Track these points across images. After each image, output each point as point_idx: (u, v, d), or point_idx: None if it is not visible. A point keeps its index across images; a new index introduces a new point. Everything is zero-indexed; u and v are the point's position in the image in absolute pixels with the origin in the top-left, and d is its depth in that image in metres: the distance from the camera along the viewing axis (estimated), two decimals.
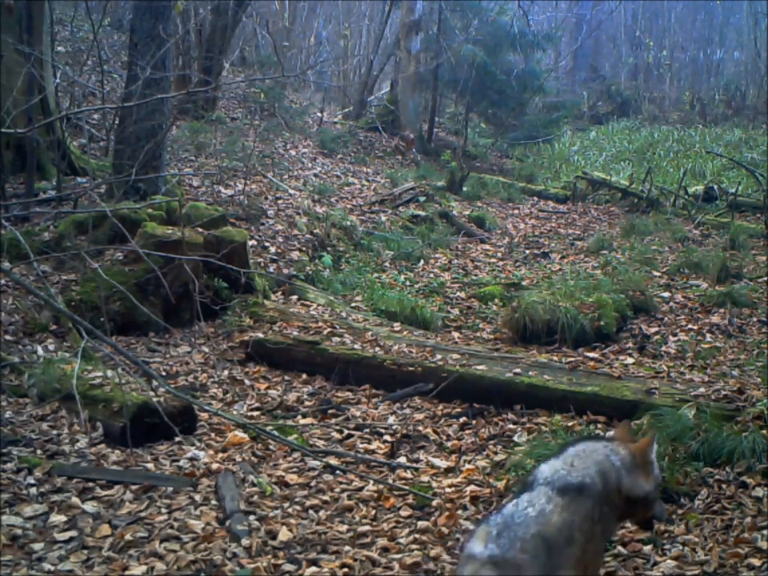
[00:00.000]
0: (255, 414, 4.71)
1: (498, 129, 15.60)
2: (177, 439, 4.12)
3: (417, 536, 3.35)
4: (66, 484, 3.64)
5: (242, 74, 14.77)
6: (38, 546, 3.15)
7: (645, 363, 5.43)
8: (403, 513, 3.57)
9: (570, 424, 4.40)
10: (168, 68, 7.30)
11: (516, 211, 12.04)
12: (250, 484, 3.75)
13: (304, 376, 5.35)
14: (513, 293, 7.10)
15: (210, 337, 5.74)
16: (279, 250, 7.56)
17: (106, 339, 4.35)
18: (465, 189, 12.30)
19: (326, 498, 3.70)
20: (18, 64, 6.63)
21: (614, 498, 2.43)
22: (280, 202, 8.84)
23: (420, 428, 4.55)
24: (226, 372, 5.30)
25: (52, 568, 3.02)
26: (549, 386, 4.72)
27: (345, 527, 3.43)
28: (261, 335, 5.58)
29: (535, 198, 12.99)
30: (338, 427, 4.55)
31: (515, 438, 4.36)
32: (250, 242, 7.04)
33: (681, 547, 3.17)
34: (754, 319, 6.37)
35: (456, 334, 6.19)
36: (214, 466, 3.92)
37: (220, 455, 4.08)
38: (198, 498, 3.60)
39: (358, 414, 4.75)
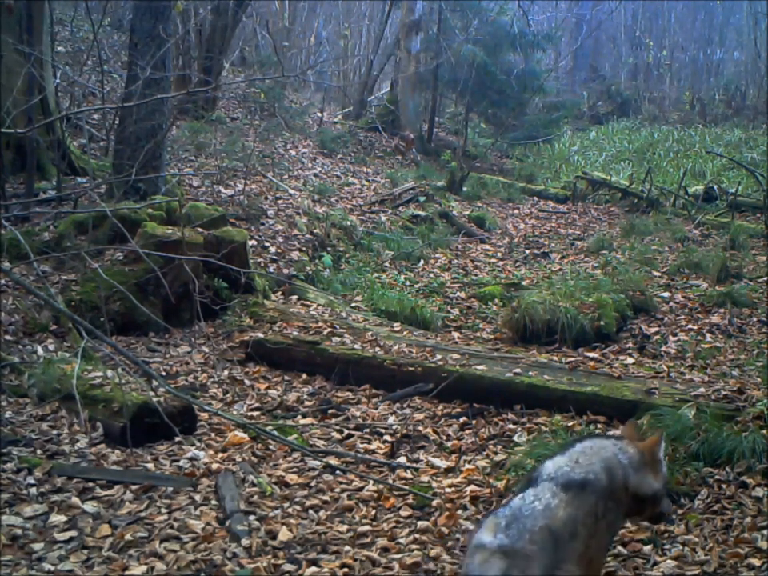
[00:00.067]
0: (255, 413, 4.71)
1: (498, 129, 15.60)
2: (177, 439, 4.12)
3: (417, 536, 3.35)
4: (66, 484, 3.64)
5: (242, 74, 14.77)
6: (38, 546, 3.15)
7: (645, 363, 5.43)
8: (403, 513, 3.57)
9: (570, 424, 4.40)
10: (168, 68, 7.30)
11: (516, 211, 12.04)
12: (250, 484, 3.75)
13: (304, 376, 5.35)
14: (513, 293, 7.10)
15: (210, 337, 5.74)
16: (279, 250, 7.56)
17: (106, 339, 4.35)
18: (465, 189, 12.30)
19: (326, 497, 3.70)
20: (18, 64, 6.63)
21: (620, 495, 2.46)
22: (280, 202, 8.84)
23: (420, 428, 4.55)
24: (226, 372, 5.30)
25: (52, 568, 3.02)
26: (549, 386, 4.71)
27: (345, 527, 3.43)
28: (261, 335, 5.58)
29: (535, 198, 12.99)
30: (338, 427, 4.55)
31: (515, 438, 4.36)
32: (250, 242, 7.04)
33: (681, 547, 3.17)
34: (754, 319, 6.37)
35: (456, 334, 6.19)
36: (214, 465, 3.92)
37: (220, 455, 4.08)
38: (198, 497, 3.60)
39: (358, 414, 4.75)
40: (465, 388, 4.86)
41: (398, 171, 12.72)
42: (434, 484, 3.84)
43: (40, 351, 5.01)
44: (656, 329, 6.22)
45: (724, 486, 3.58)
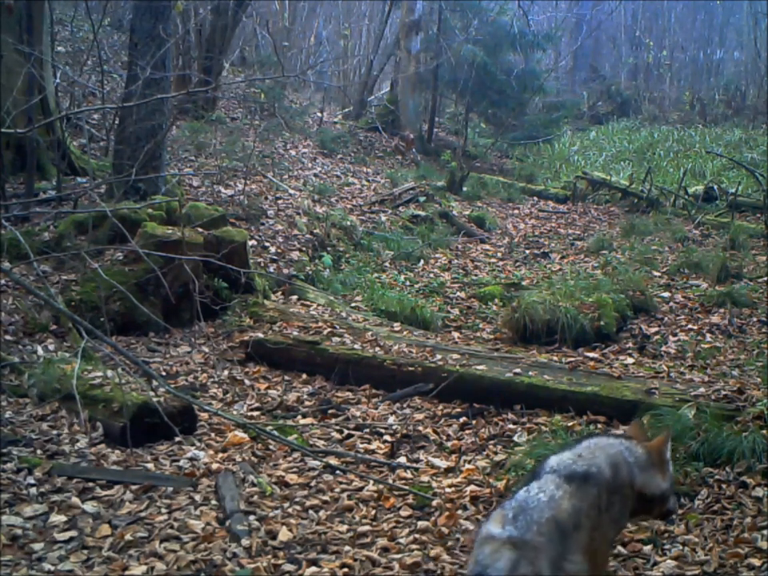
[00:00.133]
0: (255, 413, 4.71)
1: (498, 129, 15.60)
2: (177, 439, 4.12)
3: (417, 536, 3.35)
4: (66, 484, 3.64)
5: (242, 74, 14.77)
6: (38, 546, 3.15)
7: (645, 363, 5.43)
8: (403, 513, 3.57)
9: (569, 424, 4.40)
10: (168, 68, 7.30)
11: (516, 211, 12.04)
12: (250, 484, 3.75)
13: (304, 376, 5.35)
14: (513, 293, 7.10)
15: (210, 337, 5.74)
16: (279, 250, 7.56)
17: (106, 339, 4.35)
18: (465, 189, 12.30)
19: (326, 498, 3.70)
20: (18, 64, 6.64)
21: (626, 492, 2.49)
22: (280, 202, 8.84)
23: (420, 428, 4.55)
24: (226, 372, 5.30)
25: (52, 568, 3.02)
26: (549, 386, 4.71)
27: (345, 527, 3.43)
28: (261, 335, 5.58)
29: (535, 198, 12.99)
30: (338, 427, 4.55)
31: (515, 438, 4.36)
32: (250, 242, 7.04)
33: (681, 547, 3.17)
34: (754, 319, 6.37)
35: (456, 334, 6.19)
36: (214, 465, 3.92)
37: (220, 455, 4.08)
38: (198, 497, 3.60)
39: (358, 413, 4.75)
40: (465, 388, 4.86)
41: (398, 171, 12.72)
42: (434, 484, 3.84)
43: (40, 351, 5.01)
44: (656, 329, 6.22)
45: (724, 485, 3.58)
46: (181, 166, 9.32)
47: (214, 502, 3.58)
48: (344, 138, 13.53)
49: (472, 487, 3.77)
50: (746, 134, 16.69)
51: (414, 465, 4.09)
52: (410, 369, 5.07)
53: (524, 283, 7.70)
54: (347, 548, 3.24)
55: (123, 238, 5.14)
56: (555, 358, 5.34)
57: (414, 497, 3.67)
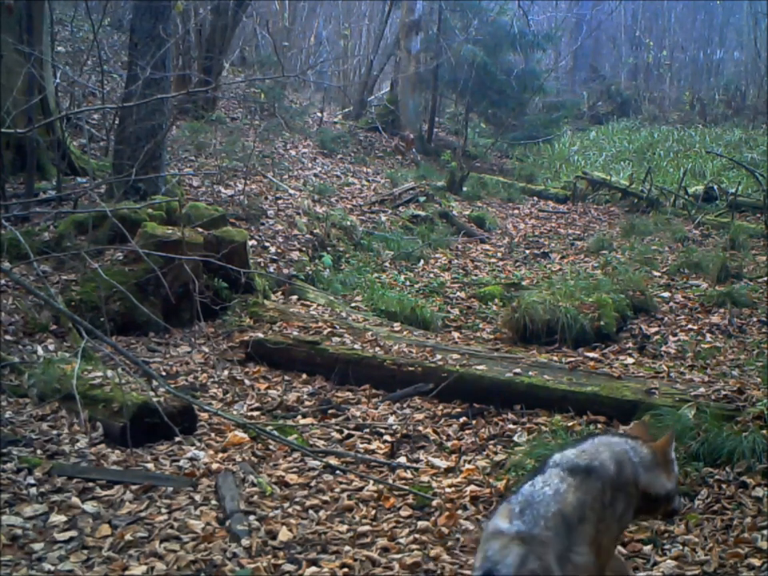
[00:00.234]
0: (255, 413, 4.71)
1: (498, 129, 15.60)
2: (177, 439, 4.12)
3: (417, 536, 3.35)
4: (66, 484, 3.64)
5: (242, 74, 14.77)
6: (38, 546, 3.15)
7: (645, 363, 5.43)
8: (403, 513, 3.57)
9: (569, 424, 4.39)
10: (168, 68, 7.30)
11: (516, 211, 12.04)
12: (250, 484, 3.75)
13: (304, 376, 5.35)
14: (513, 293, 7.10)
15: (210, 337, 5.74)
16: (279, 250, 7.56)
17: (106, 339, 4.35)
18: (465, 189, 12.30)
19: (326, 498, 3.70)
20: (18, 64, 6.64)
21: (630, 490, 2.51)
22: (280, 202, 8.84)
23: (420, 428, 4.55)
24: (225, 372, 5.30)
25: (52, 568, 3.02)
26: (549, 386, 4.71)
27: (345, 527, 3.43)
28: (261, 335, 5.58)
29: (535, 198, 12.99)
30: (338, 427, 4.55)
31: (515, 438, 4.36)
32: (250, 242, 7.04)
33: (681, 547, 3.17)
34: (754, 319, 6.37)
35: (456, 334, 6.19)
36: (214, 465, 3.92)
37: (220, 455, 4.08)
38: (198, 497, 3.60)
39: (358, 413, 4.75)
40: (465, 388, 4.86)
41: (398, 171, 12.72)
42: (434, 484, 3.84)
43: (40, 351, 5.01)
44: (656, 329, 6.22)
45: (724, 485, 3.58)
46: (181, 165, 9.32)
47: (213, 501, 3.58)
48: (344, 138, 13.53)
49: (472, 487, 3.76)
50: (746, 134, 16.69)
51: (414, 465, 4.09)
52: (410, 369, 5.07)
53: (524, 283, 7.70)
54: (347, 548, 3.24)
55: (123, 238, 5.14)
56: (555, 358, 5.34)
57: (414, 497, 3.67)
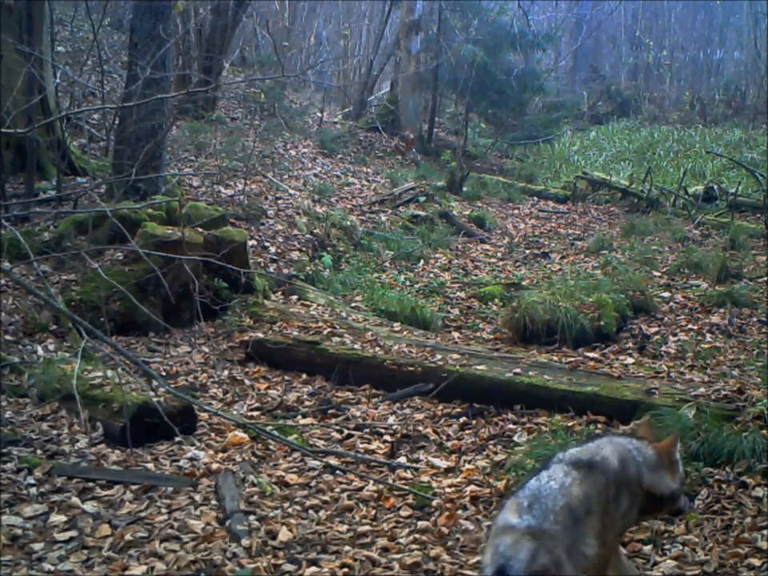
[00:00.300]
0: (255, 413, 4.71)
1: (498, 129, 15.60)
2: (177, 439, 4.12)
3: (417, 536, 3.35)
4: (66, 484, 3.64)
5: (242, 74, 14.77)
6: (38, 546, 3.15)
7: (645, 363, 5.43)
8: (403, 513, 3.57)
9: (569, 424, 4.39)
10: (168, 68, 7.30)
11: (516, 211, 12.04)
12: (250, 484, 3.75)
13: (304, 376, 5.35)
14: (513, 293, 7.10)
15: (210, 337, 5.74)
16: (279, 250, 7.56)
17: (106, 339, 4.34)
18: (465, 189, 12.30)
19: (326, 498, 3.70)
20: (18, 64, 6.64)
21: (634, 489, 2.54)
22: (280, 202, 8.84)
23: (420, 428, 4.55)
24: (226, 372, 5.30)
25: (52, 568, 3.02)
26: (549, 386, 4.71)
27: (345, 527, 3.43)
28: (261, 335, 5.58)
29: (535, 198, 12.99)
30: (338, 427, 4.55)
31: (515, 438, 4.36)
32: (250, 242, 7.04)
33: (681, 547, 3.17)
34: (754, 319, 6.37)
35: (456, 334, 6.19)
36: (214, 465, 3.92)
37: (220, 455, 4.08)
38: (198, 497, 3.60)
39: (358, 413, 4.75)
40: (465, 388, 4.86)
41: (398, 171, 12.72)
42: (434, 484, 3.84)
43: (40, 351, 5.01)
44: (656, 329, 6.22)
45: (724, 485, 3.58)
46: (181, 165, 9.32)
47: (214, 501, 3.58)
48: (344, 138, 13.53)
49: (472, 487, 3.76)
50: (746, 134, 16.69)
51: (414, 465, 4.09)
52: (410, 369, 5.07)
53: (524, 283, 7.70)
54: (347, 548, 3.24)
55: (123, 238, 5.14)
56: (555, 358, 5.34)
57: (414, 497, 3.67)
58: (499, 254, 9.32)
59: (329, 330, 5.60)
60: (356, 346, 5.37)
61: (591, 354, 5.53)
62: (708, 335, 6.06)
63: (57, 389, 4.37)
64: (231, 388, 5.06)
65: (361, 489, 3.79)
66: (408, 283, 7.76)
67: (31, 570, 3.00)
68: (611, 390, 4.57)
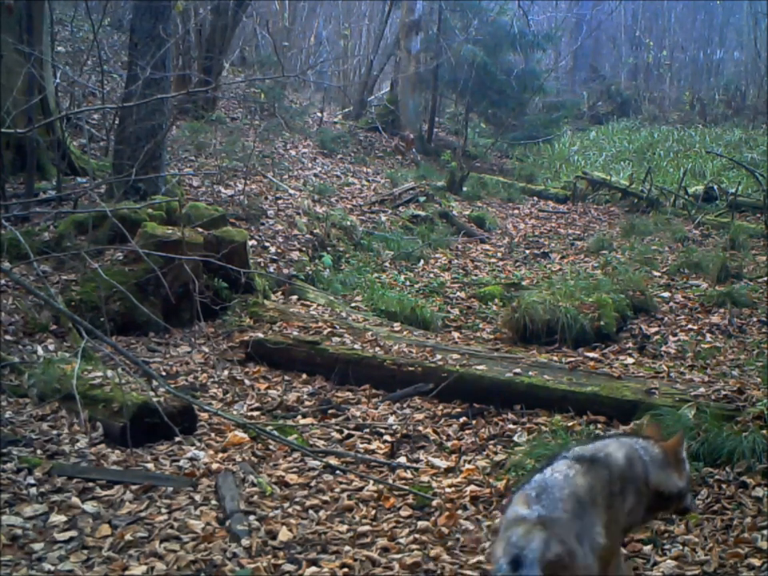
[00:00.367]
0: (255, 413, 4.71)
1: (498, 129, 15.60)
2: (177, 439, 4.12)
3: (417, 536, 3.35)
4: (66, 484, 3.64)
5: (242, 74, 14.77)
6: (38, 546, 3.15)
7: (645, 363, 5.43)
8: (403, 513, 3.57)
9: (569, 424, 4.40)
10: (168, 68, 7.30)
11: (516, 211, 12.04)
12: (250, 484, 3.75)
13: (304, 376, 5.35)
14: (513, 293, 7.10)
15: (210, 337, 5.74)
16: (279, 250, 7.56)
17: (106, 339, 4.35)
18: (465, 189, 12.30)
19: (326, 498, 3.70)
20: (18, 64, 6.64)
21: (641, 487, 2.58)
22: (280, 202, 8.84)
23: (420, 428, 4.55)
24: (225, 372, 5.30)
25: (52, 568, 3.02)
26: (549, 386, 4.71)
27: (345, 527, 3.43)
28: (261, 335, 5.58)
29: (535, 198, 12.99)
30: (338, 427, 4.55)
31: (515, 438, 4.36)
32: (250, 242, 7.04)
33: (681, 547, 3.17)
34: (754, 319, 6.37)
35: (456, 334, 6.19)
36: (214, 465, 3.92)
37: (220, 455, 4.08)
38: (198, 497, 3.60)
39: (358, 413, 4.75)
40: (465, 388, 4.86)
41: (398, 171, 12.72)
42: (434, 484, 3.84)
43: (40, 351, 5.01)
44: (656, 329, 6.22)
45: (724, 485, 3.58)
46: (181, 165, 9.32)
47: (213, 501, 3.58)
48: (344, 138, 13.53)
49: (472, 487, 3.77)
50: (746, 134, 16.69)
51: (414, 465, 4.09)
52: (410, 369, 5.07)
53: (524, 283, 7.70)
54: (347, 548, 3.24)
55: (123, 238, 5.14)
56: (555, 358, 5.34)
57: (414, 497, 3.67)
58: (499, 254, 9.32)
59: (329, 329, 5.60)
60: (356, 346, 5.37)
61: (591, 354, 5.53)
62: (708, 335, 6.06)
63: (57, 389, 4.37)
64: (231, 388, 5.06)
65: (361, 489, 3.79)
66: (408, 283, 7.76)
67: (31, 570, 3.00)
68: (611, 389, 4.57)
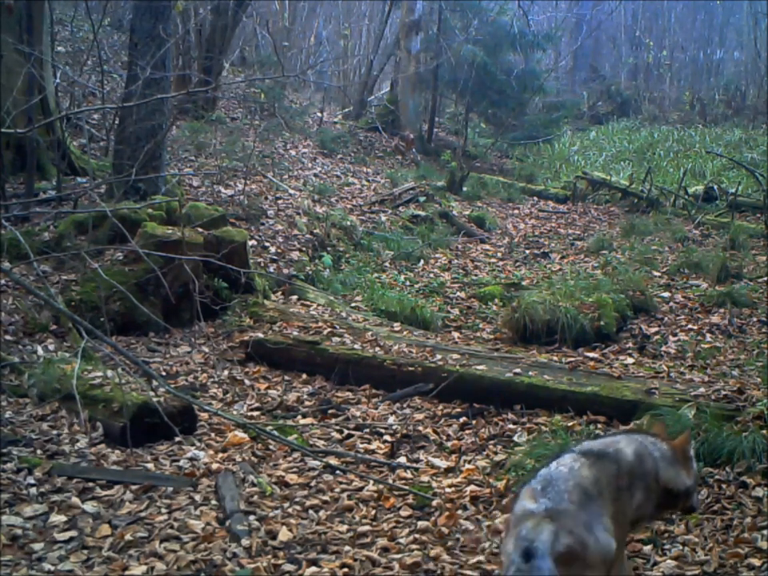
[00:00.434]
0: (255, 413, 4.71)
1: (498, 129, 15.60)
2: (177, 439, 4.12)
3: (417, 536, 3.35)
4: (66, 484, 3.64)
5: (242, 74, 14.77)
6: (38, 546, 3.15)
7: (645, 363, 5.43)
8: (403, 513, 3.57)
9: (570, 424, 4.40)
10: (168, 68, 7.30)
11: (516, 211, 12.04)
12: (250, 484, 3.75)
13: (304, 376, 5.35)
14: (513, 293, 7.10)
15: (210, 337, 5.74)
16: (279, 250, 7.56)
17: (106, 339, 4.34)
18: (465, 189, 12.30)
19: (326, 498, 3.70)
20: (18, 64, 6.64)
21: (651, 484, 2.60)
22: (280, 202, 8.84)
23: (420, 428, 4.55)
24: (226, 372, 5.30)
25: (52, 568, 3.02)
26: (549, 386, 4.71)
27: (345, 527, 3.43)
28: (261, 335, 5.58)
29: (535, 198, 12.99)
30: (338, 427, 4.55)
31: (515, 438, 4.36)
32: (250, 242, 7.04)
33: (681, 547, 3.17)
34: (754, 319, 6.37)
35: (456, 334, 6.19)
36: (214, 465, 3.92)
37: (220, 455, 4.08)
38: (198, 497, 3.60)
39: (358, 413, 4.75)
40: (465, 388, 4.86)
41: (398, 171, 12.72)
42: (434, 484, 3.84)
43: (40, 351, 5.01)
44: (656, 329, 6.22)
45: (724, 485, 3.58)
46: (181, 165, 9.32)
47: (214, 501, 3.58)
48: (344, 138, 13.53)
49: (472, 487, 3.77)
50: (746, 134, 16.69)
51: (414, 465, 4.09)
52: (410, 369, 5.07)
53: (524, 283, 7.70)
54: (347, 548, 3.24)
55: (123, 238, 5.14)
56: (555, 358, 5.34)
57: (414, 497, 3.67)
58: (499, 254, 9.32)
59: (329, 329, 5.60)
60: (356, 346, 5.37)
61: (591, 354, 5.53)
62: (708, 335, 6.06)
63: (57, 389, 4.37)
64: (231, 388, 5.06)
65: (361, 489, 3.79)
66: (408, 283, 7.76)
67: (31, 570, 3.00)
68: (611, 389, 4.57)
